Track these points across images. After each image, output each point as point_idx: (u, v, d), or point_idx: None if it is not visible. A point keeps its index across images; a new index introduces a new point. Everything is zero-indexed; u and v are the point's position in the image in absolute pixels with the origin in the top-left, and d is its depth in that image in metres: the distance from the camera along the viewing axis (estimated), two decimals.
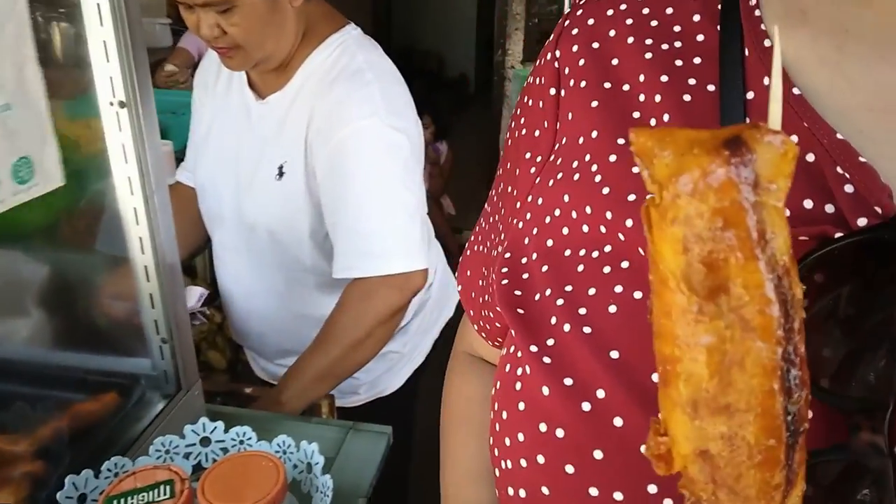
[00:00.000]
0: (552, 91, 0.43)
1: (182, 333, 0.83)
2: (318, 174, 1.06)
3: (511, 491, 0.37)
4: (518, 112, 0.49)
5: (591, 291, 0.36)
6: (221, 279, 1.26)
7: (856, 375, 0.27)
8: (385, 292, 1.06)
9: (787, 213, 0.31)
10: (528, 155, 0.46)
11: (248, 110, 1.14)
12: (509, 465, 0.37)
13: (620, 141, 0.38)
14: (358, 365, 1.09)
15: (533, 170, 0.44)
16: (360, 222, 1.04)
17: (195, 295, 1.40)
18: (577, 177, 0.40)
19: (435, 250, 1.32)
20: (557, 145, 0.43)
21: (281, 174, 1.08)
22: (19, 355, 0.72)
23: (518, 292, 0.40)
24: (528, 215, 0.43)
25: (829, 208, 0.31)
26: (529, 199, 0.44)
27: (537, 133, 0.45)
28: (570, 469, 0.33)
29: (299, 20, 1.06)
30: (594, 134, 0.40)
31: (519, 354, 0.38)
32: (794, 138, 0.33)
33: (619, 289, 0.35)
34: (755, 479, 0.21)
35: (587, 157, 0.40)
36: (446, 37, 5.97)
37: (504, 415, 0.38)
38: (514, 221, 0.44)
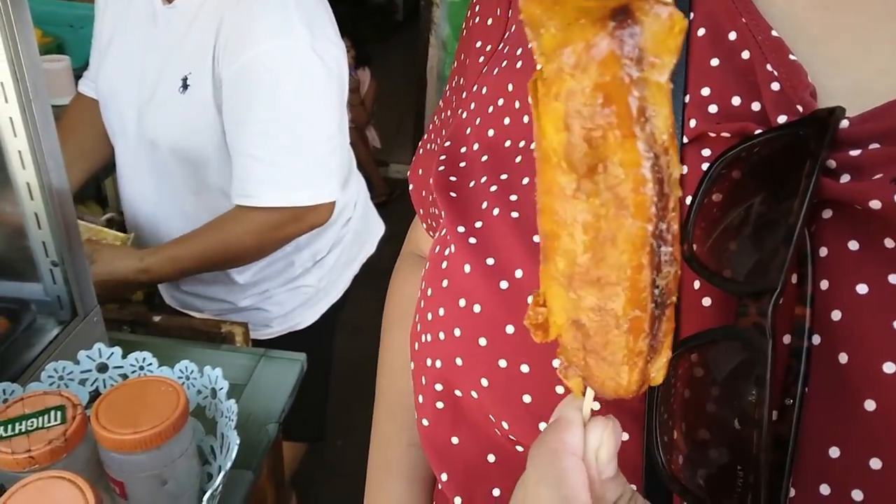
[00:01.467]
0: None
1: (76, 257, 0.78)
2: (224, 90, 1.00)
3: (429, 362, 0.39)
4: (473, 0, 0.48)
5: (525, 181, 0.37)
6: (125, 199, 1.19)
7: (755, 265, 0.28)
8: (288, 226, 1.05)
9: (716, 109, 0.32)
10: (478, 44, 0.45)
11: (153, 14, 1.06)
12: (429, 338, 0.39)
13: None
14: (221, 269, 1.12)
15: (482, 59, 0.44)
16: (266, 151, 1.00)
17: None
18: (519, 64, 0.40)
19: (356, 183, 1.29)
20: (507, 33, 0.43)
21: (185, 87, 1.01)
22: None
23: (453, 178, 0.41)
24: (473, 105, 0.43)
25: (756, 106, 0.31)
26: (475, 88, 0.44)
27: (490, 21, 0.45)
28: (483, 342, 0.35)
29: None
30: None
31: (448, 236, 0.39)
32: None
33: None
34: (620, 345, 0.23)
35: (532, 44, 0.40)
36: None
37: (429, 292, 0.39)
38: (460, 112, 0.45)
